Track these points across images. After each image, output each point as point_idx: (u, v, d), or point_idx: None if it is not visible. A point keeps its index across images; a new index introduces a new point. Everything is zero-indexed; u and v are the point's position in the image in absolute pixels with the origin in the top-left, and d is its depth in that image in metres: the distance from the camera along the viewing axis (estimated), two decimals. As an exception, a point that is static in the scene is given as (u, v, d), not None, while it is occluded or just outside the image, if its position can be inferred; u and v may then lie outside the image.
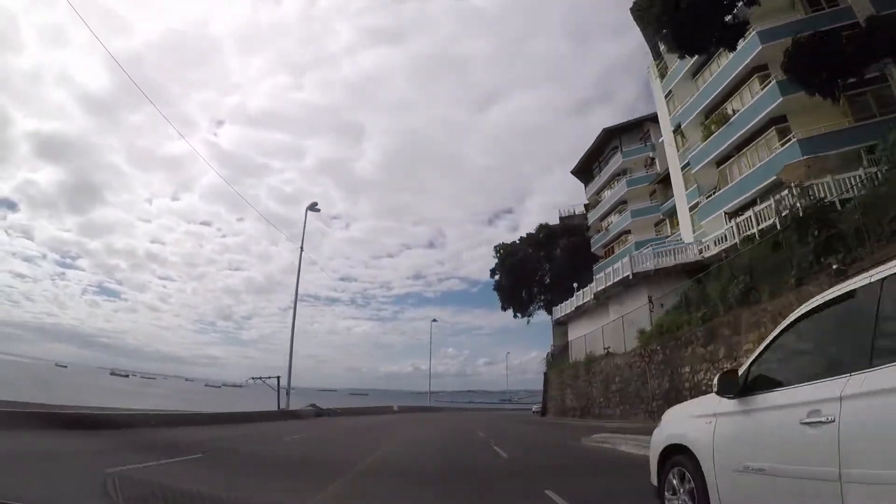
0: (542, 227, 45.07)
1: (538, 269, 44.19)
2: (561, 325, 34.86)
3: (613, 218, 39.15)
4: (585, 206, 52.28)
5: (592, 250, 41.93)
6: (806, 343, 2.68)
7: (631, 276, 21.68)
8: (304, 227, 25.63)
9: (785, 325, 2.75)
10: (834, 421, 2.07)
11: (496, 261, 44.80)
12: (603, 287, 24.89)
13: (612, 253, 38.10)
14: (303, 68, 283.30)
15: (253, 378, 28.73)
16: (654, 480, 3.60)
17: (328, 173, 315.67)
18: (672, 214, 33.07)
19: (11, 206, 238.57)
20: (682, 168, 29.53)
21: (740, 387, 2.86)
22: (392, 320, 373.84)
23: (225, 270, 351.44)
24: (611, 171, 39.81)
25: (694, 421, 3.27)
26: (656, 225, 35.87)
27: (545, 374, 33.38)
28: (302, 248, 25.48)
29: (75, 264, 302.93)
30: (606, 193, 40.75)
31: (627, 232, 37.10)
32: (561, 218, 49.26)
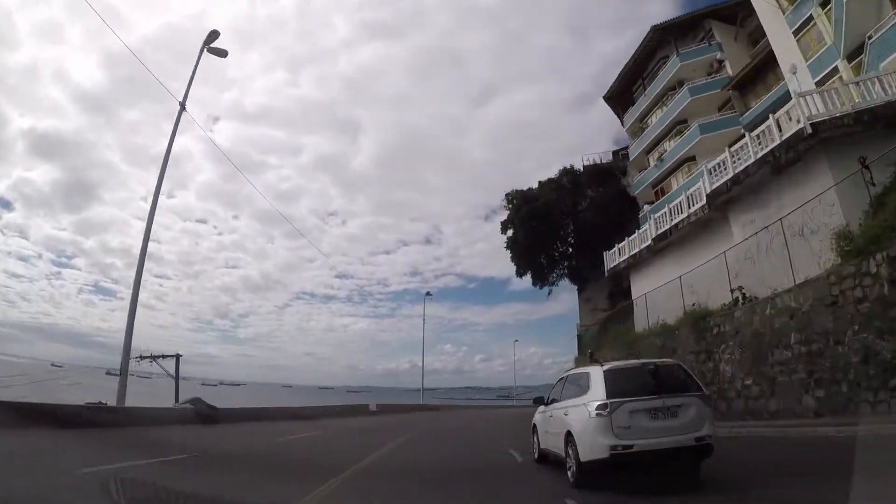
0: (566, 172, 34.91)
1: (561, 224, 34.16)
2: (615, 277, 24.69)
3: (669, 144, 29.19)
4: (615, 152, 42.49)
5: (635, 193, 32.02)
6: (555, 390, 7.95)
7: (808, 131, 11.24)
8: (195, 70, 15.36)
9: (556, 382, 8.21)
10: (553, 416, 7.34)
11: (508, 212, 34.67)
12: (728, 178, 14.62)
13: (668, 191, 28.14)
14: (300, 64, 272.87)
15: (141, 357, 18.83)
16: (532, 437, 8.79)
17: (325, 169, 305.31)
18: (761, 123, 23.28)
19: (7, 205, 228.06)
20: (795, 32, 19.84)
21: (545, 402, 8.17)
22: (389, 317, 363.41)
23: (221, 268, 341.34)
24: (662, 83, 29.84)
25: (538, 415, 8.51)
26: (731, 145, 25.98)
27: (589, 353, 23.36)
28: (183, 105, 15.29)
29: (71, 263, 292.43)
30: (655, 117, 30.83)
31: (691, 159, 27.15)
32: (584, 167, 39.12)
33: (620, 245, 22.57)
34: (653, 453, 5.30)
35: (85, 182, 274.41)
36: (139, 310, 13.36)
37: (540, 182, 34.52)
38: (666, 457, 5.39)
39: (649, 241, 19.19)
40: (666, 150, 29.07)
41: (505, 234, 34.74)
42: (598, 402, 5.57)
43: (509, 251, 34.40)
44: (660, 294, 16.92)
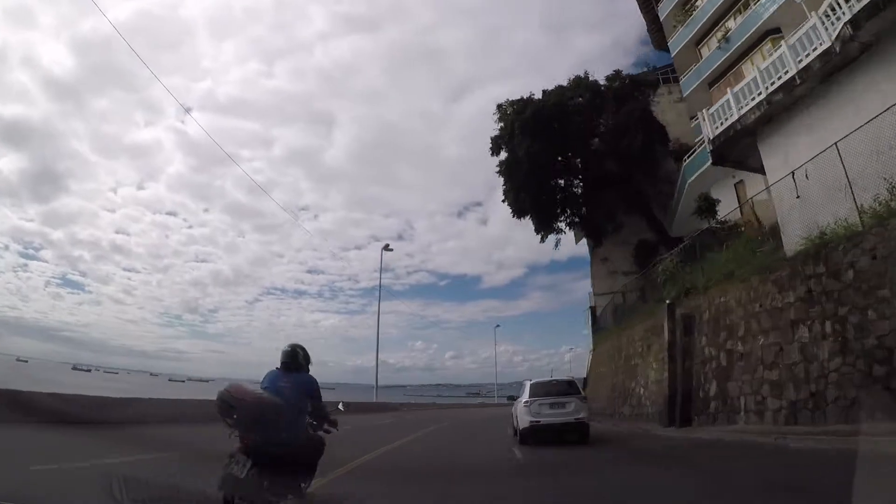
0: (580, 81, 26.08)
1: (574, 144, 25.34)
2: (726, 154, 15.01)
3: (733, 22, 20.84)
4: (635, 75, 34.00)
5: (684, 95, 23.54)
6: (519, 390, 14.46)
7: None
8: None
9: (521, 385, 14.18)
10: (513, 407, 13.69)
11: (498, 130, 25.60)
12: None
13: (739, 81, 19.63)
14: (274, 55, 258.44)
15: None
16: (511, 420, 13.75)
17: (298, 163, 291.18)
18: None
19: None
20: None
21: (515, 398, 14.84)
22: (359, 313, 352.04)
23: (191, 262, 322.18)
24: (720, -57, 21.40)
25: (512, 408, 13.85)
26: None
27: (668, 305, 14.16)
28: None
29: (38, 255, 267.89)
30: (706, -5, 22.40)
31: (775, 31, 18.82)
32: (607, 77, 29.66)
33: (736, 89, 13.48)
34: (551, 425, 10.93)
35: (53, 172, 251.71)
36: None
37: (545, 91, 25.49)
38: (558, 427, 10.94)
39: (829, 43, 9.93)
40: (731, 31, 20.67)
41: (497, 156, 25.70)
42: (525, 400, 11.61)
43: (503, 180, 25.33)
44: (858, 147, 8.25)
